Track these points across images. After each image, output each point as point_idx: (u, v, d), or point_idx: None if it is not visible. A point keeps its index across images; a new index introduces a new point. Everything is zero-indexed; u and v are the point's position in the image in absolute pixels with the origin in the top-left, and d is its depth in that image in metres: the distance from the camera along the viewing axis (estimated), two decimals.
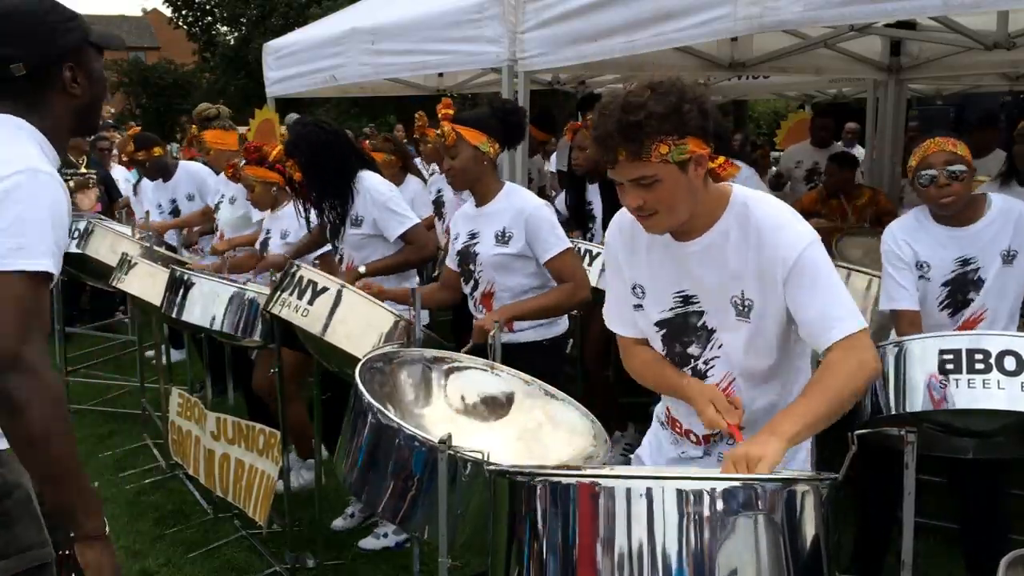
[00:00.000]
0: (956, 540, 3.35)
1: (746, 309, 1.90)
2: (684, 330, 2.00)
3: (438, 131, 3.05)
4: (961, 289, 2.90)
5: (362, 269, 3.48)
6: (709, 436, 2.06)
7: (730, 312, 1.92)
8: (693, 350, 2.00)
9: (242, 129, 6.15)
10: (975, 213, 2.87)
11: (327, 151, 3.55)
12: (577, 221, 4.78)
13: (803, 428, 1.74)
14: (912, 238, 2.94)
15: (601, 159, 1.83)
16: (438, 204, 5.50)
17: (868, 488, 3.07)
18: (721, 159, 1.85)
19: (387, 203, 3.54)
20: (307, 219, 3.77)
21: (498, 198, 3.10)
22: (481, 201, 3.14)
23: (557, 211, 4.68)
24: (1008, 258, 2.85)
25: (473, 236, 3.13)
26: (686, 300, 1.98)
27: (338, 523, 3.98)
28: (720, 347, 1.97)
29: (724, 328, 1.95)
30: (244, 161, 4.24)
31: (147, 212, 5.83)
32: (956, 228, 2.88)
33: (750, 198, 1.91)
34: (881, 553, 3.17)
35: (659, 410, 2.22)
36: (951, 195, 2.79)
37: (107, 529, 1.67)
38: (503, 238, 3.05)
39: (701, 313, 1.97)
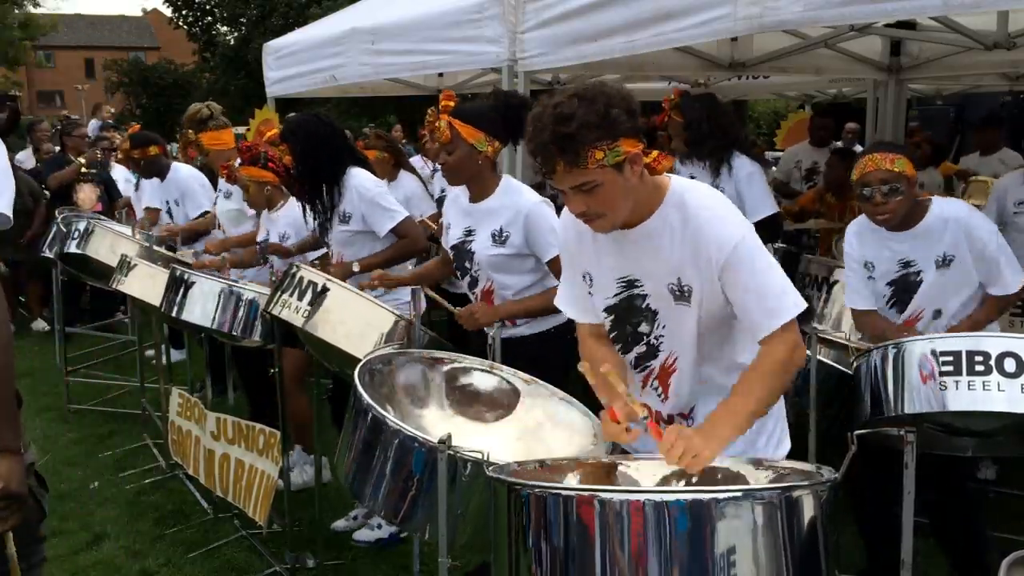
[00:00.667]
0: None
1: (685, 294, 1.98)
2: (631, 312, 2.08)
3: (435, 124, 2.95)
4: (905, 289, 3.02)
5: (356, 267, 3.46)
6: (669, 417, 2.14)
7: (669, 298, 2.00)
8: (643, 328, 2.09)
9: (242, 129, 6.15)
10: (916, 218, 2.96)
11: (321, 141, 3.56)
12: None
13: (735, 431, 1.86)
14: (860, 239, 3.10)
15: (539, 170, 1.89)
16: (441, 202, 5.50)
17: (867, 487, 3.08)
18: (655, 153, 1.92)
19: (375, 198, 3.53)
20: (304, 212, 3.74)
21: (495, 194, 3.00)
22: (477, 197, 3.02)
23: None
24: (944, 262, 2.93)
25: (469, 233, 3.03)
26: (630, 284, 2.07)
27: (340, 524, 3.98)
28: (664, 327, 2.06)
29: (666, 310, 2.03)
30: (239, 161, 4.24)
31: (146, 208, 5.83)
32: (897, 232, 2.99)
33: (688, 190, 1.99)
34: (891, 553, 3.14)
35: None
36: (886, 212, 2.91)
37: (22, 445, 1.69)
38: (500, 238, 2.95)
39: (644, 296, 2.05)
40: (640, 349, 2.12)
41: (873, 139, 6.45)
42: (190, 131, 5.22)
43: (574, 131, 1.79)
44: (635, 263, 2.03)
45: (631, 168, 1.86)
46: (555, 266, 2.96)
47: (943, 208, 2.96)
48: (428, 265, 3.55)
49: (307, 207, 3.67)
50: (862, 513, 3.15)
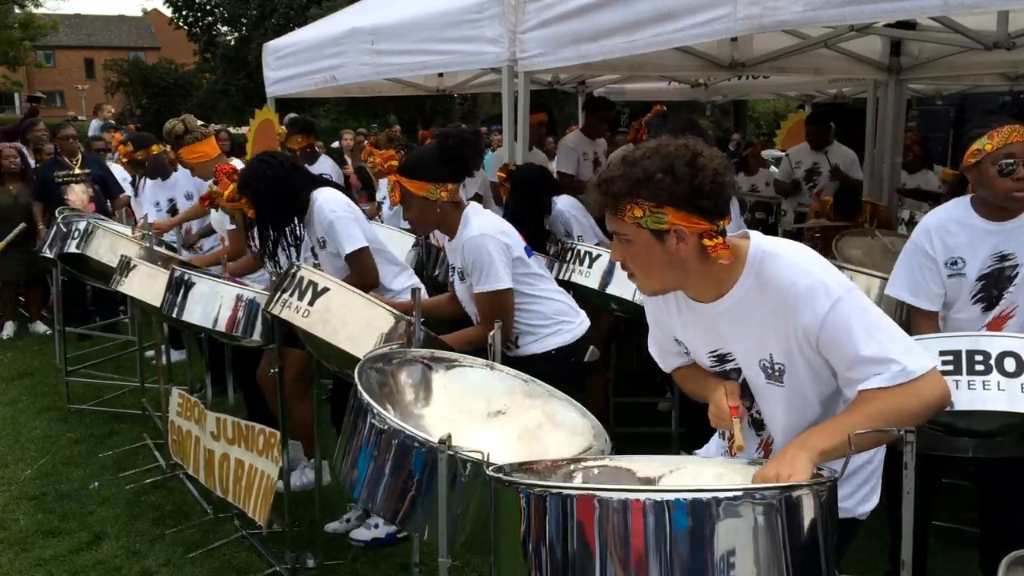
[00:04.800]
0: (955, 539, 3.35)
1: (777, 373, 1.85)
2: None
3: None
4: (996, 284, 2.81)
5: None
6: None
7: (761, 375, 1.89)
8: (745, 401, 1.98)
9: (242, 129, 6.14)
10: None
11: (276, 184, 3.58)
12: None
13: (836, 443, 1.67)
14: (948, 232, 2.83)
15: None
16: None
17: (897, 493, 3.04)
18: (719, 240, 1.76)
19: (333, 223, 3.56)
20: (262, 256, 3.76)
21: (458, 232, 3.12)
22: (450, 236, 3.17)
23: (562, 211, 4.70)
24: None
25: (452, 270, 3.22)
26: (721, 359, 1.97)
27: (332, 526, 3.94)
28: (760, 403, 1.96)
29: (758, 389, 1.93)
30: (219, 189, 4.24)
31: (145, 215, 5.84)
32: (995, 223, 2.78)
33: (767, 254, 1.81)
34: (921, 558, 3.10)
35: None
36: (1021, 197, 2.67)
37: None
38: (462, 276, 3.12)
39: (739, 370, 1.95)
40: (747, 418, 2.00)
41: (873, 140, 6.46)
42: (169, 149, 5.21)
43: (615, 177, 1.76)
44: (723, 338, 1.92)
45: (676, 242, 1.76)
46: (477, 301, 3.05)
47: None
48: (440, 299, 3.53)
49: (272, 247, 3.66)
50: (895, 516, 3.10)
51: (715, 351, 1.96)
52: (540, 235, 4.55)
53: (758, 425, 2.01)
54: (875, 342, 1.72)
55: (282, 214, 3.62)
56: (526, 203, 4.60)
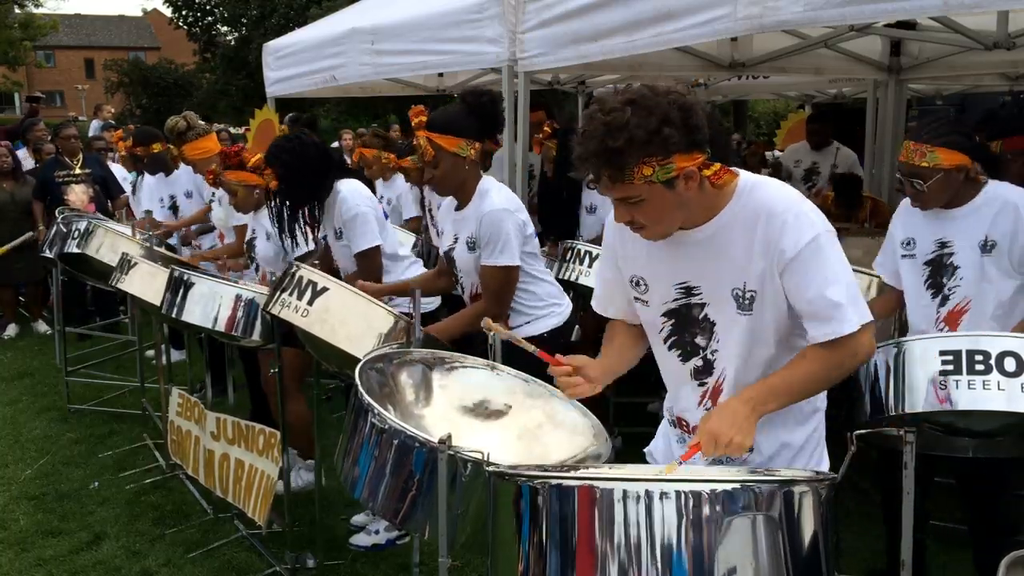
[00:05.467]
0: (954, 540, 3.35)
1: (747, 301, 1.88)
2: (688, 321, 1.99)
3: (416, 142, 2.99)
4: (938, 271, 2.95)
5: None
6: None
7: (731, 304, 1.91)
8: (700, 341, 1.99)
9: (241, 129, 6.15)
10: (963, 198, 2.87)
11: (305, 164, 3.57)
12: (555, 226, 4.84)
13: (778, 399, 1.83)
14: (905, 214, 3.04)
15: (585, 177, 1.84)
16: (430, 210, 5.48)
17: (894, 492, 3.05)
18: (716, 167, 1.78)
19: (354, 217, 3.55)
20: (280, 232, 3.71)
21: (472, 201, 3.07)
22: (461, 204, 3.11)
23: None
24: (987, 248, 2.84)
25: (455, 240, 3.14)
26: (688, 291, 1.96)
27: (359, 519, 3.95)
28: (719, 340, 1.97)
29: (724, 321, 1.94)
30: (224, 166, 4.20)
31: (147, 211, 5.84)
32: (940, 210, 2.91)
33: (759, 183, 1.88)
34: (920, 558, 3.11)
35: (666, 406, 2.20)
36: (918, 201, 2.89)
37: None
38: (472, 245, 3.04)
39: (703, 305, 1.96)
40: (697, 363, 2.01)
41: (873, 140, 6.46)
42: (171, 147, 5.21)
43: (622, 146, 1.69)
44: (695, 267, 1.92)
45: (685, 183, 1.77)
46: (482, 274, 3.02)
47: (996, 190, 2.86)
48: (426, 275, 3.54)
49: (285, 226, 3.66)
50: (891, 515, 3.12)
51: (683, 283, 1.96)
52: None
53: (705, 371, 2.01)
54: (839, 285, 1.80)
55: (304, 192, 3.59)
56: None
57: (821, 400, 2.05)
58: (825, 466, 2.07)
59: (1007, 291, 2.86)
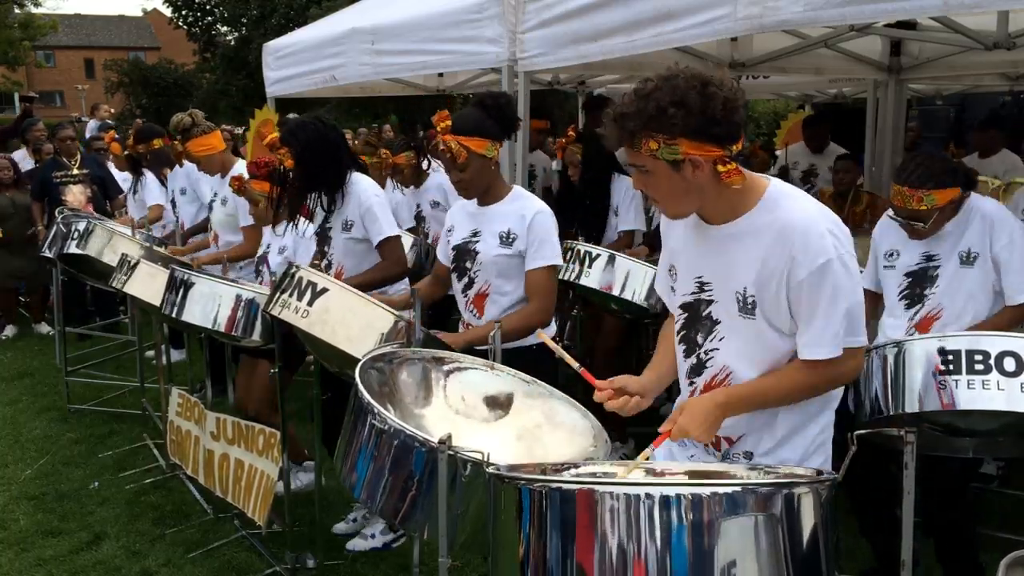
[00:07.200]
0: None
1: (749, 305, 1.91)
2: (697, 317, 2.03)
3: (442, 148, 2.98)
4: (919, 282, 3.04)
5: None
6: (719, 440, 2.04)
7: (734, 305, 1.93)
8: (699, 338, 2.02)
9: (240, 129, 6.15)
10: (948, 216, 2.97)
11: (323, 144, 3.52)
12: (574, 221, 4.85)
13: (747, 402, 1.92)
14: (889, 226, 3.12)
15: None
16: (420, 217, 5.47)
17: (868, 488, 3.07)
18: (732, 166, 1.81)
19: (373, 207, 3.51)
20: (291, 217, 3.65)
21: (505, 200, 3.07)
22: (486, 202, 3.08)
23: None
24: (967, 259, 2.93)
25: (475, 234, 3.08)
26: (701, 287, 2.01)
27: (340, 527, 3.97)
28: (721, 339, 1.99)
29: (727, 322, 1.96)
30: (250, 175, 4.22)
31: (151, 207, 5.85)
32: None
33: (788, 195, 1.91)
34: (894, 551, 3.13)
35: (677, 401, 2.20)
36: (917, 236, 2.99)
37: None
38: (507, 239, 3.01)
39: (710, 302, 1.99)
40: (692, 361, 2.05)
41: (873, 140, 6.45)
42: (176, 143, 5.22)
43: (631, 113, 1.80)
44: (711, 264, 1.97)
45: (692, 170, 1.81)
46: (531, 278, 3.00)
47: (976, 204, 2.97)
48: (420, 284, 3.50)
49: (299, 214, 3.60)
50: (864, 514, 3.14)
51: (699, 277, 2.01)
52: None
53: (696, 371, 2.05)
54: (836, 311, 1.83)
55: (318, 176, 3.53)
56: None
57: (835, 395, 2.05)
58: (827, 465, 2.06)
59: (983, 303, 2.97)
